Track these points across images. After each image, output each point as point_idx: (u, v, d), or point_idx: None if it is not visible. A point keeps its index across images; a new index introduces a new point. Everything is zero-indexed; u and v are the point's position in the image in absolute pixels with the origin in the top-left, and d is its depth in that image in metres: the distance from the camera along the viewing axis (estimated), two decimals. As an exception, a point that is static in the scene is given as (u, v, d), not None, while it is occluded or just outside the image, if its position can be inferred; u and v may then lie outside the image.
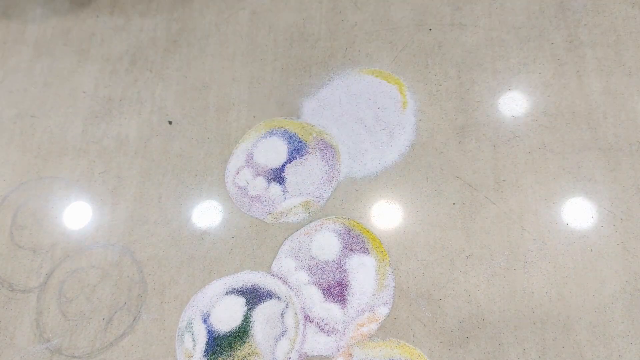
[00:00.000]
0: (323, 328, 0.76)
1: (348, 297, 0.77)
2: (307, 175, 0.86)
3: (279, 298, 0.78)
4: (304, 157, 0.87)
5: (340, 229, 0.81)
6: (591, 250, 0.75)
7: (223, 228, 0.84)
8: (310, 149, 0.88)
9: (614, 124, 0.82)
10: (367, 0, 0.97)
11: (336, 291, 0.77)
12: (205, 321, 0.78)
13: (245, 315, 0.77)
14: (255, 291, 0.79)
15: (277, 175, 0.86)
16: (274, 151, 0.88)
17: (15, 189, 0.91)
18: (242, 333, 0.76)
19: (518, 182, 0.81)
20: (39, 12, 1.05)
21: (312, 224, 0.82)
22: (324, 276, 0.78)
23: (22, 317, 0.81)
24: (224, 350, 0.76)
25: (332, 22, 0.97)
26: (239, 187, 0.87)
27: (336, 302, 0.77)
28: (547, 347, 0.71)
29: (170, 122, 0.94)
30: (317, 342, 0.75)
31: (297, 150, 0.88)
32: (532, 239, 0.77)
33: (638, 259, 0.74)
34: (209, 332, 0.77)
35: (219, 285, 0.80)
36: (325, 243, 0.81)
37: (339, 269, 0.79)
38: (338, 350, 0.74)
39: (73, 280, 0.83)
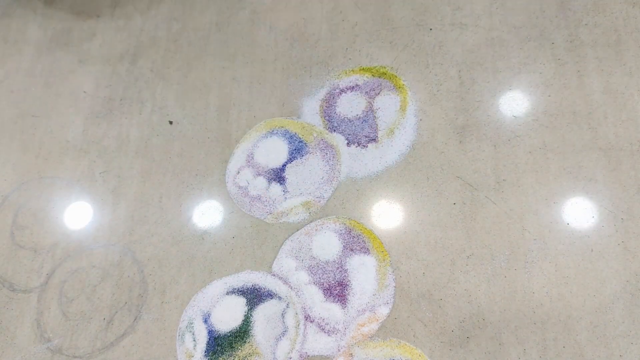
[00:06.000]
0: (324, 328, 0.76)
1: (349, 297, 0.77)
2: (307, 175, 0.86)
3: (280, 298, 0.78)
4: (304, 157, 0.87)
5: (340, 228, 0.81)
6: (592, 250, 0.75)
7: (223, 228, 0.84)
8: (310, 149, 0.88)
9: (615, 123, 0.82)
10: (368, 0, 0.97)
11: (337, 291, 0.77)
12: (205, 321, 0.78)
13: (245, 315, 0.77)
14: (255, 291, 0.79)
15: (278, 175, 0.87)
16: (275, 151, 0.88)
17: (16, 189, 0.91)
18: (242, 333, 0.76)
19: (519, 181, 0.81)
20: (40, 12, 1.05)
21: (312, 224, 0.82)
22: (325, 276, 0.78)
23: (23, 317, 0.81)
24: (225, 350, 0.76)
25: (332, 22, 0.97)
26: (240, 187, 0.87)
27: (337, 302, 0.77)
28: (548, 347, 0.71)
29: (170, 122, 0.94)
30: (318, 342, 0.75)
31: (297, 150, 0.88)
32: (533, 238, 0.77)
33: (639, 258, 0.74)
34: (210, 332, 0.77)
35: (219, 285, 0.80)
36: (326, 243, 0.81)
37: (340, 269, 0.79)
38: (339, 350, 0.74)
39: (74, 280, 0.83)
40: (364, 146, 0.87)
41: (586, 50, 0.87)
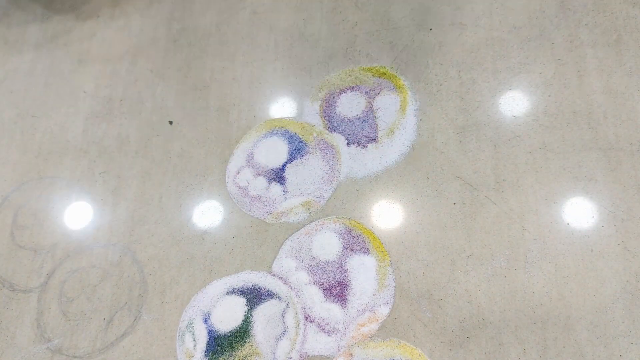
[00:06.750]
0: (324, 328, 0.76)
1: (349, 297, 0.77)
2: (307, 175, 0.86)
3: (280, 298, 0.78)
4: (304, 157, 0.87)
5: (340, 228, 0.81)
6: (592, 250, 0.75)
7: (223, 228, 0.84)
8: (310, 149, 0.88)
9: (615, 123, 0.82)
10: (368, 0, 0.97)
11: (337, 291, 0.77)
12: (205, 321, 0.78)
13: (245, 315, 0.77)
14: (255, 291, 0.79)
15: (278, 175, 0.87)
16: (275, 151, 0.88)
17: (16, 189, 0.91)
18: (242, 333, 0.76)
19: (519, 181, 0.81)
20: (40, 12, 1.05)
21: (312, 224, 0.82)
22: (325, 276, 0.78)
23: (23, 317, 0.81)
24: (225, 350, 0.76)
25: (332, 22, 0.97)
26: (240, 187, 0.87)
27: (337, 302, 0.77)
28: (548, 347, 0.71)
29: (170, 122, 0.94)
30: (318, 342, 0.75)
31: (297, 150, 0.88)
32: (533, 238, 0.77)
33: (639, 258, 0.74)
34: (210, 332, 0.77)
35: (219, 285, 0.80)
36: (326, 243, 0.81)
37: (340, 269, 0.79)
38: (339, 350, 0.74)
39: (74, 280, 0.83)
40: (364, 146, 0.87)
41: (586, 50, 0.87)
